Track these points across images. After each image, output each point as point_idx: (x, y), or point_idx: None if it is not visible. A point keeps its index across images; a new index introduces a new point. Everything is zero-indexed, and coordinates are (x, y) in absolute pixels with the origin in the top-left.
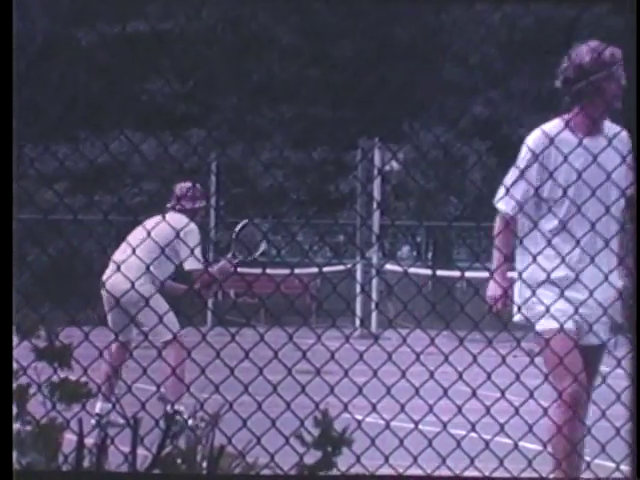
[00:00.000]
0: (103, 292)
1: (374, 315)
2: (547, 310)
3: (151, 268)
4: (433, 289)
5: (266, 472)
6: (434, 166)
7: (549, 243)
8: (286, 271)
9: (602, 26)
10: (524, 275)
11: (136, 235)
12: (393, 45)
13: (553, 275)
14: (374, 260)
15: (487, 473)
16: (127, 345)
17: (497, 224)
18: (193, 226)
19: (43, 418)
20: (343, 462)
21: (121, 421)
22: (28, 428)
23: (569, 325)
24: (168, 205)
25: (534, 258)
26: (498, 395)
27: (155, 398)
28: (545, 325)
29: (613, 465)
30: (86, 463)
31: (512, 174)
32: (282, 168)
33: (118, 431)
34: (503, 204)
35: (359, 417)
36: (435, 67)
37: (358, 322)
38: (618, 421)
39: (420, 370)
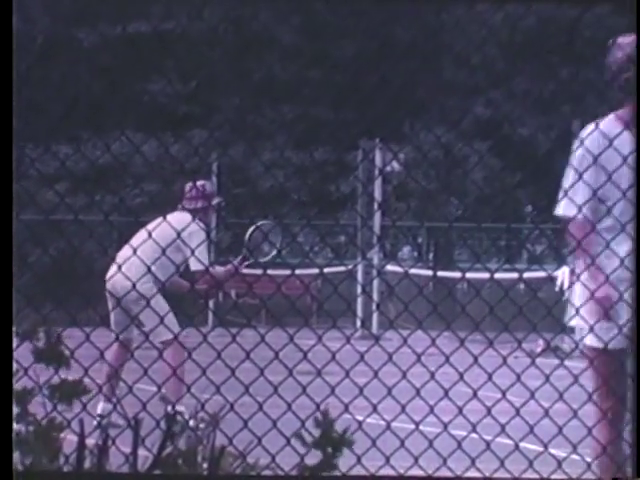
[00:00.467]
0: (106, 291)
1: (375, 316)
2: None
3: (153, 267)
4: (434, 290)
5: (267, 473)
6: (435, 167)
7: (607, 244)
8: (287, 272)
9: (604, 26)
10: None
11: (143, 234)
12: (394, 45)
13: (612, 276)
14: (375, 261)
15: (488, 474)
16: (128, 345)
17: (571, 230)
18: (198, 226)
19: (44, 419)
20: (344, 463)
21: (121, 422)
22: (30, 429)
23: (621, 344)
24: (179, 205)
25: (592, 260)
26: (499, 396)
27: (156, 399)
28: (598, 342)
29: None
30: (87, 464)
31: (571, 176)
32: (283, 168)
33: (119, 432)
34: (571, 210)
35: (360, 418)
36: (436, 67)
37: (359, 323)
38: None
39: (421, 371)
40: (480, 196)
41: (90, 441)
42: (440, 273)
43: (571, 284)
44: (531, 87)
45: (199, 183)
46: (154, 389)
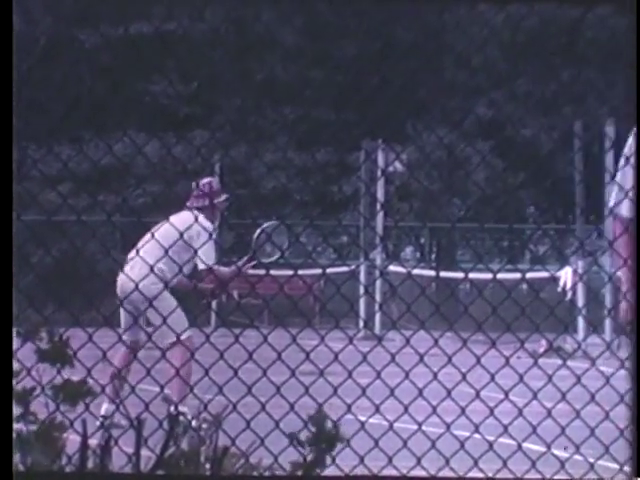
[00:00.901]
0: (117, 293)
1: (378, 316)
2: None
3: (164, 267)
4: (437, 290)
5: (269, 473)
6: (437, 167)
7: None
8: (290, 272)
9: (606, 27)
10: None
11: (158, 232)
12: (396, 46)
13: None
14: (378, 261)
15: (491, 474)
16: (136, 347)
17: (614, 228)
18: (204, 225)
19: (46, 419)
20: (347, 463)
21: (123, 422)
22: (32, 428)
23: None
24: (187, 204)
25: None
26: (502, 396)
27: (159, 399)
28: None
29: (617, 466)
30: (90, 464)
31: (620, 175)
32: (285, 169)
33: (121, 432)
34: (622, 208)
35: (363, 418)
36: (438, 68)
37: (362, 323)
38: (622, 422)
39: (424, 371)
40: (482, 197)
41: (93, 441)
42: (443, 273)
43: (574, 284)
44: (533, 88)
45: (205, 180)
46: (157, 389)
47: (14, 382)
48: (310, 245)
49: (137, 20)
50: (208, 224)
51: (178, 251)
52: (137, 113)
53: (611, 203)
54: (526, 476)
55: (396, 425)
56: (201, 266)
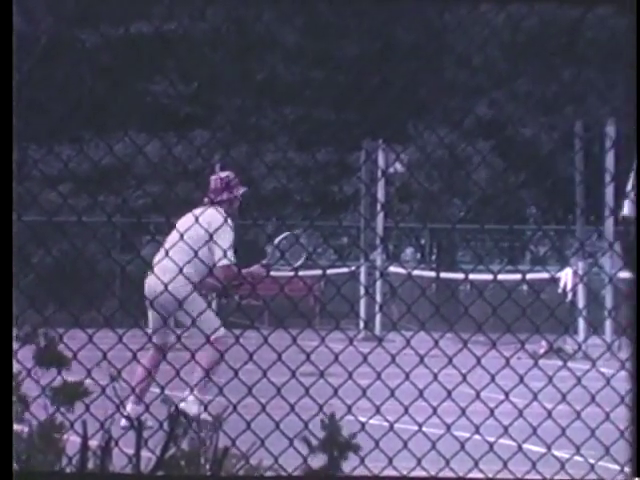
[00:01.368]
0: (146, 293)
1: (378, 317)
2: None
3: (190, 269)
4: (437, 291)
5: (270, 474)
6: (438, 167)
7: None
8: (290, 273)
9: (606, 27)
10: None
11: (175, 236)
12: (397, 46)
13: None
14: (378, 262)
15: (491, 475)
16: (164, 349)
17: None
18: (224, 221)
19: (46, 420)
20: (347, 464)
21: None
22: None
23: None
24: (205, 199)
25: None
26: (502, 397)
27: (159, 400)
28: None
29: (617, 467)
30: (91, 465)
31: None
32: (286, 170)
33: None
34: None
35: (363, 419)
36: (439, 68)
37: (362, 324)
38: (622, 423)
39: (424, 372)
40: (483, 197)
41: (93, 442)
42: (443, 274)
43: (574, 285)
44: (533, 88)
45: (223, 174)
46: (157, 391)
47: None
48: (310, 246)
49: (138, 20)
50: (228, 220)
51: (204, 251)
52: (138, 113)
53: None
54: (526, 477)
55: (396, 426)
56: (220, 263)
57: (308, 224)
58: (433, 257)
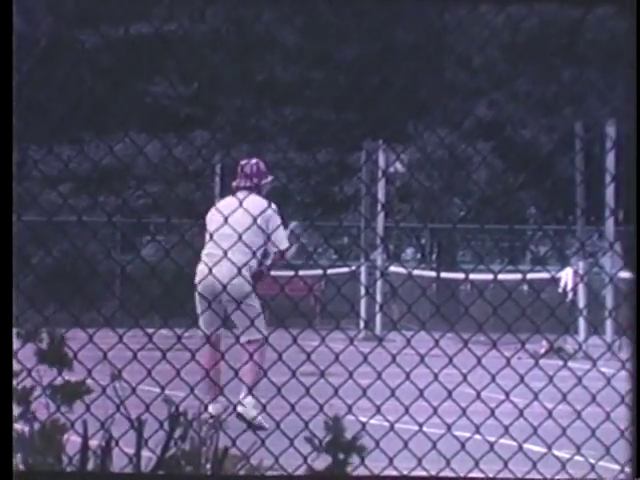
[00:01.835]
0: (198, 290)
1: (378, 317)
2: None
3: (252, 264)
4: (437, 291)
5: (270, 474)
6: (438, 168)
7: None
8: (290, 273)
9: (606, 28)
10: None
11: (221, 223)
12: (397, 47)
13: None
14: (378, 262)
15: (491, 475)
16: (218, 343)
17: None
18: (273, 206)
19: (47, 419)
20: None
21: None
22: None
23: None
24: (235, 184)
25: None
26: (503, 397)
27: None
28: None
29: (617, 467)
30: (91, 465)
31: None
32: (286, 170)
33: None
34: None
35: (364, 419)
36: (439, 69)
37: (362, 324)
38: (623, 423)
39: (424, 372)
40: (483, 197)
41: (93, 442)
42: (443, 274)
43: (574, 285)
44: (533, 88)
45: (253, 161)
46: (157, 390)
47: (14, 382)
48: (311, 246)
49: (137, 21)
50: (273, 205)
51: (257, 239)
52: (138, 114)
53: None
54: (527, 477)
55: (397, 426)
56: (282, 246)
57: (309, 224)
58: (433, 257)
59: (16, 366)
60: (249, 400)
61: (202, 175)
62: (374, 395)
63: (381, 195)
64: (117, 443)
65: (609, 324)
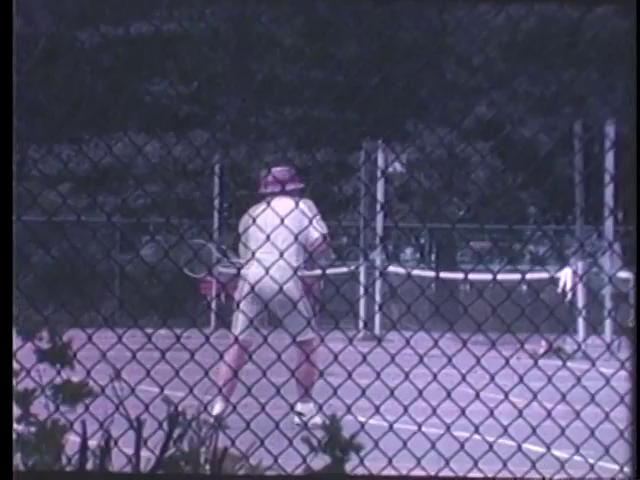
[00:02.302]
0: (246, 289)
1: (377, 317)
2: None
3: (297, 260)
4: (436, 291)
5: (269, 474)
6: (437, 167)
7: None
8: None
9: (606, 27)
10: None
11: (272, 225)
12: (396, 46)
13: None
14: (377, 262)
15: (491, 475)
16: (248, 346)
17: None
18: (309, 204)
19: (47, 419)
20: (347, 463)
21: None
22: (32, 429)
23: None
24: (269, 190)
25: None
26: (502, 397)
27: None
28: None
29: (617, 467)
30: (90, 465)
31: None
32: None
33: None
34: None
35: (363, 419)
36: (438, 68)
37: (361, 324)
38: (622, 423)
39: (423, 372)
40: (482, 197)
41: (93, 442)
42: (442, 274)
43: (574, 285)
44: (533, 88)
45: (285, 168)
46: (157, 390)
47: (14, 382)
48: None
49: (137, 20)
50: (308, 203)
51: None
52: (137, 113)
53: None
54: (526, 477)
55: (396, 426)
56: (317, 234)
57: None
58: (433, 257)
59: (16, 366)
60: (311, 407)
61: (201, 175)
62: (373, 395)
63: (380, 195)
64: (116, 443)
65: (608, 324)
